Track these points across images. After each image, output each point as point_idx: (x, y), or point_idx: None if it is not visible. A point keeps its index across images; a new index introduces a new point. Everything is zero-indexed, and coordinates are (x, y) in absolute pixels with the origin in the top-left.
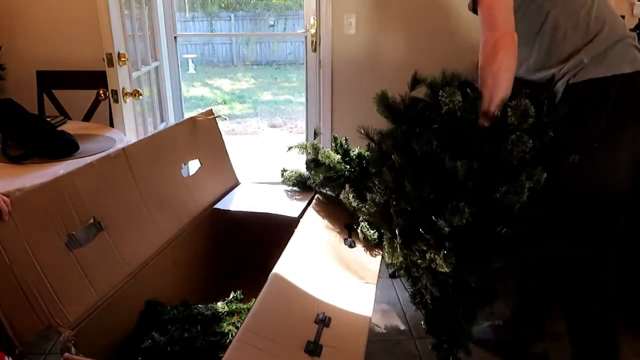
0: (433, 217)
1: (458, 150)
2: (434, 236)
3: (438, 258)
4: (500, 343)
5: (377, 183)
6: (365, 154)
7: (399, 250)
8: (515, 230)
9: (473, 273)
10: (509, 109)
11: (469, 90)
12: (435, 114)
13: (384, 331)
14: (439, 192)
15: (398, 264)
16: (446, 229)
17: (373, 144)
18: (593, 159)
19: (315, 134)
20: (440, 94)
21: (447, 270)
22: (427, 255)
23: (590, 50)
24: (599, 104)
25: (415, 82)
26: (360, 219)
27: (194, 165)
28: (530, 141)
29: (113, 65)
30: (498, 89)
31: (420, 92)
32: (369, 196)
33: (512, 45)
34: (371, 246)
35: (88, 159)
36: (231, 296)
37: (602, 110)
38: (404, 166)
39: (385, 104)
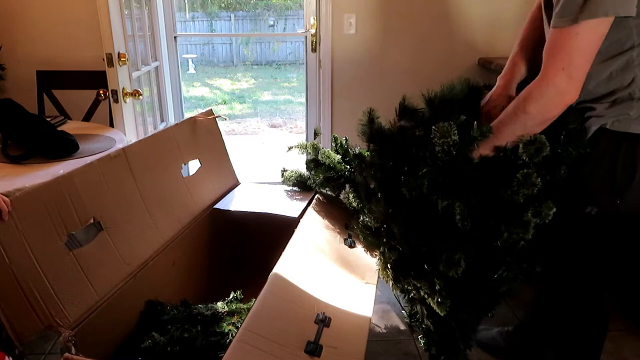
0: (425, 265)
1: (454, 191)
2: (426, 284)
3: (432, 302)
4: (510, 349)
5: (366, 211)
6: (365, 154)
7: (391, 277)
8: (519, 272)
9: (472, 314)
10: (520, 145)
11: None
12: (425, 149)
13: (384, 331)
14: (430, 239)
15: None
16: (441, 284)
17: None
18: (613, 209)
19: (315, 134)
20: (432, 131)
21: (443, 314)
22: (421, 292)
23: None
24: (632, 162)
25: (405, 110)
26: (360, 219)
27: (194, 165)
28: (539, 180)
29: (113, 65)
30: (524, 133)
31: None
32: (360, 218)
33: (571, 103)
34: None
35: (88, 159)
36: (231, 296)
37: (635, 170)
38: (392, 212)
39: (368, 134)
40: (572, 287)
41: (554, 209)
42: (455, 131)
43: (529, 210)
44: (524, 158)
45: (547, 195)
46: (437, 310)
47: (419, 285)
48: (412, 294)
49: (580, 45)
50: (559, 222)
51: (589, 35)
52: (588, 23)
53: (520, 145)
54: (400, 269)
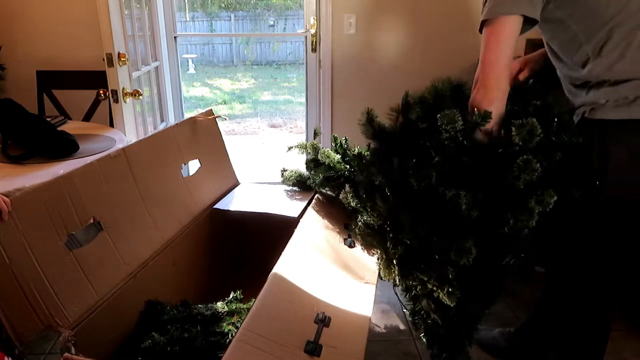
0: (436, 256)
1: (460, 181)
2: (436, 274)
3: (441, 293)
4: (511, 350)
5: (369, 209)
6: (366, 154)
7: (396, 274)
8: (525, 260)
9: (481, 304)
10: (513, 128)
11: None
12: (431, 140)
13: (384, 331)
14: (439, 230)
15: (395, 282)
16: (453, 272)
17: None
18: (597, 194)
19: (315, 134)
20: (438, 118)
21: (452, 305)
22: (428, 286)
23: (612, 95)
24: (605, 147)
25: (408, 106)
26: (359, 218)
27: (194, 165)
28: (539, 165)
29: (113, 65)
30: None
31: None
32: (359, 218)
33: (495, 100)
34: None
35: (88, 159)
36: (231, 296)
37: (607, 155)
38: (400, 205)
39: (371, 131)
40: (577, 288)
41: (555, 197)
42: (459, 117)
43: (532, 198)
44: (517, 141)
45: (546, 182)
46: (447, 301)
47: (425, 278)
48: (417, 290)
49: (489, 38)
50: (558, 210)
51: (495, 31)
52: (492, 21)
53: (513, 129)
54: (407, 264)
